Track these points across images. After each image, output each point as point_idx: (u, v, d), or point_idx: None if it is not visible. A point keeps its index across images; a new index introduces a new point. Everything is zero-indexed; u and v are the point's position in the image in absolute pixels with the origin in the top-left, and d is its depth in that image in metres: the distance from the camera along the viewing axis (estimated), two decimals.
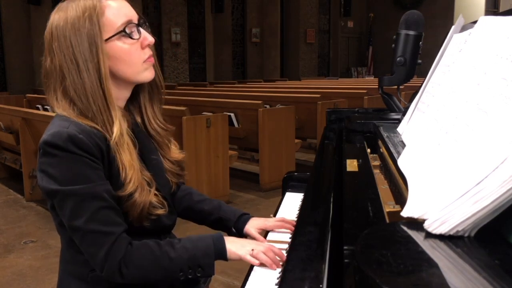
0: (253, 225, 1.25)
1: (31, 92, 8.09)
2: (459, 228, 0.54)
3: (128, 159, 1.03)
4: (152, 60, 1.10)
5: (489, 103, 0.67)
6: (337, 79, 12.20)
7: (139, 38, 1.06)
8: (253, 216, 1.29)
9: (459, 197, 0.54)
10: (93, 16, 1.00)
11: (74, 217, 0.98)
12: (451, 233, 0.54)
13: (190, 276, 1.03)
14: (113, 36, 1.03)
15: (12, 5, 9.47)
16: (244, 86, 9.01)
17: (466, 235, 0.54)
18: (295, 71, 14.07)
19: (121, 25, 1.04)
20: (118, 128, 1.02)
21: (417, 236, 0.57)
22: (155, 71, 1.14)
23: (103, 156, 1.01)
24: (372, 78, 12.71)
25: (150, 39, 1.08)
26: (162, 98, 1.21)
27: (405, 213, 0.65)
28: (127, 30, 1.04)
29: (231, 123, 4.57)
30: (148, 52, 1.09)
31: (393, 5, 14.65)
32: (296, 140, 4.86)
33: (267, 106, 4.94)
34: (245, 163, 4.95)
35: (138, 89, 1.16)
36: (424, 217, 0.59)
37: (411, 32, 1.54)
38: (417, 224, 0.59)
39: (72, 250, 1.07)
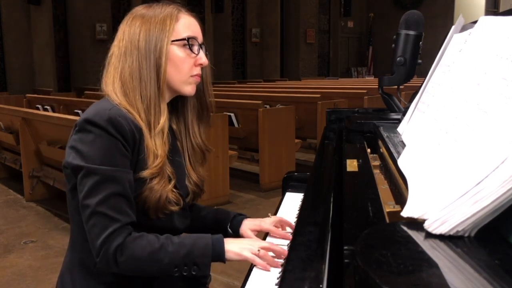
0: (248, 226, 1.26)
1: (31, 92, 8.09)
2: (459, 228, 0.54)
3: (163, 148, 1.10)
4: (198, 78, 1.17)
5: (489, 103, 0.67)
6: (337, 79, 12.19)
7: (197, 55, 1.15)
8: (249, 217, 1.30)
9: (459, 197, 0.54)
10: (167, 19, 1.12)
11: (89, 196, 1.01)
12: (451, 233, 0.54)
13: (184, 274, 1.03)
14: (177, 40, 1.12)
15: (12, 5, 9.46)
16: (244, 86, 9.02)
17: (466, 235, 0.54)
18: (295, 71, 14.06)
19: (186, 36, 1.13)
20: (165, 120, 1.11)
21: (417, 236, 0.57)
22: (206, 95, 1.24)
23: (134, 143, 1.07)
24: (372, 78, 12.71)
25: (204, 59, 1.17)
26: (210, 121, 1.30)
27: (405, 213, 0.65)
28: (190, 42, 1.14)
29: (231, 123, 4.57)
30: (198, 70, 1.17)
31: (393, 5, 14.65)
32: (296, 140, 4.86)
33: (267, 106, 4.94)
34: (245, 163, 4.95)
35: (185, 103, 1.23)
36: (424, 217, 0.59)
37: (411, 32, 1.54)
38: (417, 224, 0.59)
39: (82, 238, 1.08)
